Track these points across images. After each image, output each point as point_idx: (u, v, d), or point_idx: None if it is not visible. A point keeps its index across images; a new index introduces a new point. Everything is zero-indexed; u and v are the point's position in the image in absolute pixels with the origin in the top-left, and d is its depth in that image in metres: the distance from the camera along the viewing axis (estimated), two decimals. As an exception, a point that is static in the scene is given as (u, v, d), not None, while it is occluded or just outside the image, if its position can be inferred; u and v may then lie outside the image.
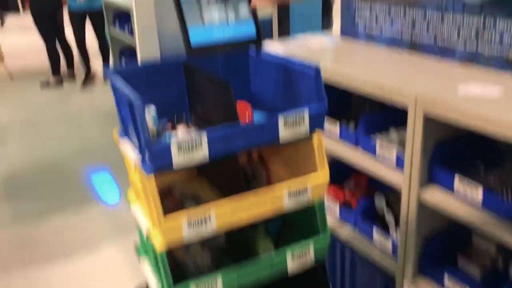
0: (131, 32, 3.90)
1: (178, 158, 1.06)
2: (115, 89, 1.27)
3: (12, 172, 3.57)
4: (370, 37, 2.03)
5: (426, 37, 1.78)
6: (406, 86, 1.49)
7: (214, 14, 1.06)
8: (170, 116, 1.39)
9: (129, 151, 1.20)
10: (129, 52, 4.38)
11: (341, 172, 2.07)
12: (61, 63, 5.55)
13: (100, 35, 5.33)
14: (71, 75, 5.67)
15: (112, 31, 4.41)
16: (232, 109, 1.12)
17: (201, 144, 1.07)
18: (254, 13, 1.10)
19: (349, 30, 2.12)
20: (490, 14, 1.54)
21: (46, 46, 5.38)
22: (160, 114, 1.34)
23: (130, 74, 1.36)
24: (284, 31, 3.03)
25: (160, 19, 1.39)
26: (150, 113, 1.25)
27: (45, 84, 5.50)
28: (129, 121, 1.17)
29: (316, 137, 1.22)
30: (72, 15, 5.23)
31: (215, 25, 1.06)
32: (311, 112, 1.17)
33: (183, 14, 1.03)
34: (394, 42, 1.92)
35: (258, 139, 1.14)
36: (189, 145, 1.06)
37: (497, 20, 1.52)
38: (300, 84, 1.26)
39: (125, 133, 1.29)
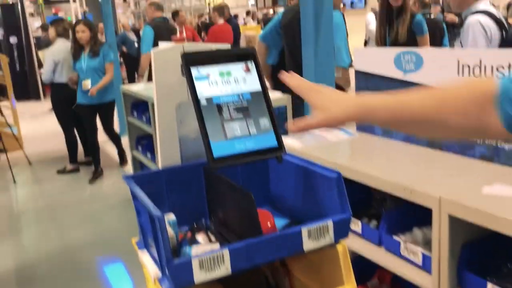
0: (149, 120, 4.00)
1: (199, 275, 1.02)
2: (134, 197, 1.26)
3: (25, 262, 3.52)
4: (386, 132, 2.04)
5: (444, 133, 1.78)
6: (428, 186, 1.47)
7: (235, 129, 1.07)
8: (189, 222, 1.37)
9: (149, 264, 1.17)
10: (145, 139, 4.47)
11: (365, 268, 2.00)
12: (78, 150, 5.66)
13: (109, 127, 5.33)
14: (88, 163, 5.75)
15: (130, 119, 4.53)
16: (254, 219, 1.09)
17: (223, 259, 1.04)
18: (274, 124, 1.11)
19: (365, 125, 2.14)
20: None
21: (65, 134, 5.51)
22: (179, 220, 1.32)
23: (149, 179, 1.37)
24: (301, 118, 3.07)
25: (182, 123, 1.42)
26: (169, 222, 1.23)
27: (62, 172, 5.57)
28: (149, 232, 1.15)
29: (341, 247, 1.18)
30: (82, 109, 5.07)
31: (237, 138, 1.07)
32: (335, 222, 1.14)
33: (206, 130, 1.04)
34: (411, 137, 1.92)
35: (281, 251, 1.10)
36: (211, 261, 1.03)
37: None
38: (321, 188, 1.24)
39: (144, 242, 1.26)
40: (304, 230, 1.11)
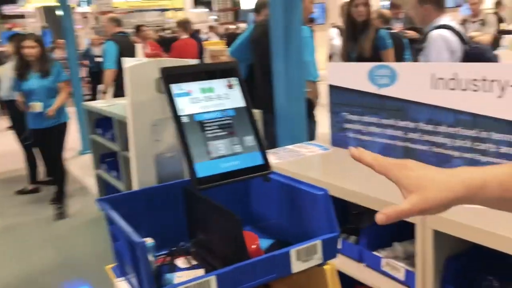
0: (113, 138, 3.89)
1: (184, 304, 0.96)
2: (110, 222, 1.19)
3: (-17, 290, 3.32)
4: (361, 147, 2.02)
5: (420, 146, 1.78)
6: (410, 201, 1.45)
7: (220, 147, 1.02)
8: (167, 245, 1.30)
9: (128, 293, 1.09)
10: (110, 156, 4.35)
11: (343, 284, 1.96)
12: (39, 169, 5.44)
13: (57, 154, 4.60)
14: (49, 182, 5.53)
15: (93, 136, 4.39)
16: (241, 243, 1.04)
17: (209, 286, 0.98)
18: (260, 142, 1.07)
19: (340, 139, 2.13)
20: (483, 129, 1.56)
21: (24, 153, 5.29)
22: (157, 243, 1.25)
23: (124, 201, 1.29)
24: (269, 133, 3.05)
25: (158, 141, 1.36)
26: (148, 248, 1.16)
27: (22, 192, 5.33)
28: (127, 259, 1.08)
29: (329, 268, 1.14)
30: (36, 135, 4.53)
31: (222, 157, 1.02)
32: (324, 241, 1.10)
33: (188, 149, 0.99)
34: (386, 152, 1.92)
35: (269, 274, 1.05)
36: (196, 288, 0.97)
37: (491, 134, 1.54)
38: (308, 206, 1.20)
39: (121, 270, 1.19)
40: (293, 251, 1.06)
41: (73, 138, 6.81)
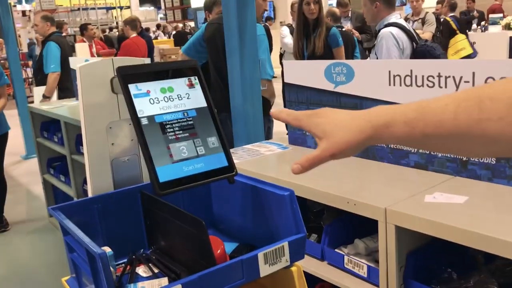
0: (61, 141, 3.72)
1: (149, 316, 0.91)
2: (65, 232, 1.11)
3: None
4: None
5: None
6: (371, 198, 1.46)
7: (182, 149, 0.98)
8: (126, 253, 1.24)
9: (86, 307, 1.03)
10: (58, 160, 4.16)
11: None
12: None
13: None
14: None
15: (39, 139, 4.19)
16: (207, 248, 1.00)
17: (175, 295, 0.93)
18: (223, 143, 1.03)
19: (298, 137, 2.13)
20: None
21: None
22: (115, 252, 1.19)
23: (79, 209, 1.22)
24: (227, 131, 3.01)
25: (113, 145, 1.29)
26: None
27: None
28: (85, 271, 1.02)
29: (295, 269, 1.12)
30: None
31: (184, 160, 0.97)
32: (290, 242, 1.08)
33: (149, 152, 0.94)
34: (345, 148, 1.93)
35: (237, 280, 1.02)
36: (162, 299, 0.92)
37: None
38: (273, 207, 1.18)
39: (79, 283, 1.12)
40: (260, 255, 1.03)
41: (17, 142, 6.50)
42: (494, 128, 0.59)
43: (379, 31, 3.09)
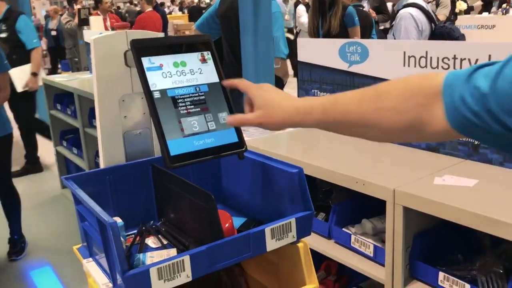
0: (75, 113, 3.76)
1: (157, 285, 0.93)
2: (77, 201, 1.14)
3: None
4: (331, 123, 2.02)
5: (389, 124, 1.80)
6: (381, 179, 1.47)
7: (193, 124, 0.99)
8: (136, 224, 1.26)
9: (97, 275, 1.05)
10: (71, 132, 4.21)
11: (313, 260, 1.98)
12: None
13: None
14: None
15: (53, 112, 4.23)
16: (215, 222, 1.02)
17: (183, 266, 0.95)
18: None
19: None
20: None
21: None
22: (126, 223, 1.21)
23: (91, 180, 1.24)
24: (239, 109, 3.01)
25: (126, 118, 1.30)
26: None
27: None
28: (97, 240, 1.04)
29: (302, 245, 1.14)
30: None
31: (195, 134, 0.98)
32: (298, 219, 1.09)
33: (161, 126, 0.95)
34: (356, 128, 1.93)
35: (244, 253, 1.04)
36: (170, 269, 0.94)
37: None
38: (281, 184, 1.19)
39: (89, 251, 1.15)
40: (267, 230, 1.05)
41: (31, 113, 6.54)
42: (387, 116, 0.72)
43: (397, 11, 3.05)
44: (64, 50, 8.25)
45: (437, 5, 6.53)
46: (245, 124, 0.92)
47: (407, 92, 0.71)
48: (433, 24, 2.93)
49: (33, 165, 4.98)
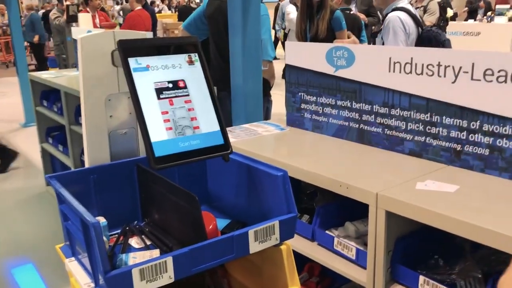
0: (61, 110, 3.73)
1: (139, 285, 0.94)
2: (60, 200, 1.14)
3: None
4: (317, 127, 2.04)
5: (374, 129, 1.82)
6: (364, 182, 1.48)
7: (179, 125, 0.99)
8: (120, 224, 1.26)
9: (79, 274, 1.05)
10: (56, 129, 4.17)
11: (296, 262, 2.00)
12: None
13: None
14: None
15: (39, 108, 4.19)
16: (199, 223, 1.02)
17: (166, 267, 0.96)
18: (220, 121, 1.05)
19: (296, 119, 2.14)
20: (436, 113, 1.60)
21: None
22: (110, 222, 1.21)
23: (76, 179, 1.24)
24: (224, 111, 3.02)
25: (111, 117, 1.30)
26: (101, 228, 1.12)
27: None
28: (80, 239, 1.04)
29: (285, 247, 1.15)
30: None
31: (181, 136, 0.99)
32: (281, 222, 1.10)
33: (146, 127, 0.95)
34: (341, 133, 1.94)
35: (227, 255, 1.04)
36: (152, 270, 0.94)
37: (443, 118, 1.58)
38: (266, 186, 1.20)
39: (72, 250, 1.14)
40: (251, 232, 1.06)
41: (17, 109, 6.50)
42: None
43: (386, 15, 3.10)
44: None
45: (425, 11, 6.60)
46: None
47: None
48: (420, 28, 2.99)
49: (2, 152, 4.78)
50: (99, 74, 1.24)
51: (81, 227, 0.98)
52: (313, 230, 1.74)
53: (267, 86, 3.25)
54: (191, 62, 1.06)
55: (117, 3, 17.05)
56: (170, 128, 0.99)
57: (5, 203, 4.15)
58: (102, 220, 1.17)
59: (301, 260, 1.91)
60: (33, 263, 3.15)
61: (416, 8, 6.67)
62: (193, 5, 16.10)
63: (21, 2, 14.35)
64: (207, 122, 1.04)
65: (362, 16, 5.61)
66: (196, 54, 1.08)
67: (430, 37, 2.93)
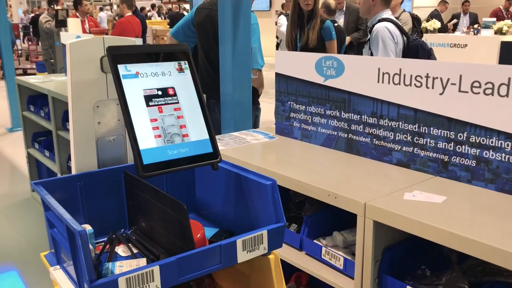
0: (48, 116, 3.69)
1: (125, 295, 0.92)
2: (46, 207, 1.12)
3: None
4: (306, 137, 2.05)
5: (362, 138, 1.82)
6: (352, 192, 1.49)
7: (168, 133, 0.98)
8: (106, 232, 1.25)
9: (63, 283, 1.04)
10: (43, 135, 4.13)
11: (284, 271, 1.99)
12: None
13: None
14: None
15: (26, 113, 4.14)
16: (187, 232, 1.02)
17: (152, 276, 0.94)
18: (209, 129, 1.04)
19: (285, 128, 2.14)
20: (424, 124, 1.61)
21: None
22: (95, 230, 1.20)
23: (62, 186, 1.22)
24: (214, 118, 3.02)
25: (100, 124, 1.29)
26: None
27: None
28: (65, 247, 1.03)
29: (273, 257, 1.14)
30: None
31: (170, 143, 0.98)
32: (270, 231, 1.10)
33: (135, 134, 0.94)
34: (330, 143, 1.95)
35: (214, 264, 1.04)
36: (139, 279, 0.93)
37: (431, 129, 1.60)
38: (254, 195, 1.19)
39: (57, 258, 1.13)
40: (239, 242, 1.05)
41: (2, 114, 6.43)
42: None
43: (372, 26, 3.14)
44: None
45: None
46: None
47: None
48: (406, 38, 3.05)
49: None
50: (88, 80, 1.23)
51: (66, 235, 0.97)
52: (301, 239, 1.74)
53: (255, 94, 3.26)
54: (181, 70, 1.06)
55: (101, 9, 17.00)
56: (159, 136, 0.98)
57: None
58: (88, 227, 1.15)
59: (289, 270, 1.90)
60: (17, 270, 3.10)
61: None
62: (184, 12, 16.12)
63: (10, 6, 14.25)
64: (196, 130, 1.03)
65: (347, 38, 5.63)
66: (186, 62, 1.07)
67: (417, 45, 3.02)
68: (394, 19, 3.14)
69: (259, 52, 3.36)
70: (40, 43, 8.37)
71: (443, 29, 9.95)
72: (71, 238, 0.95)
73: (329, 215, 1.77)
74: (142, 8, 14.23)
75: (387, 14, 3.16)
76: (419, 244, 1.48)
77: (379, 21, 3.08)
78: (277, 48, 5.66)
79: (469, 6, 11.23)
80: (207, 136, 1.04)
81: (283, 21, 5.21)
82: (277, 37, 5.75)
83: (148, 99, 1.00)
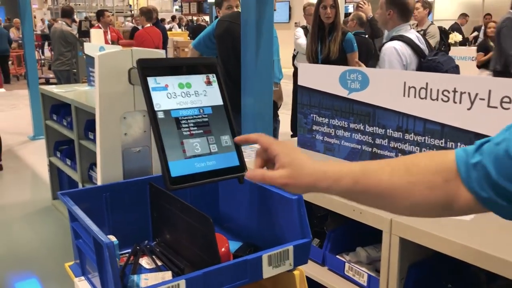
0: (71, 125, 3.74)
1: (151, 308, 0.92)
2: (72, 218, 1.12)
3: None
4: (328, 150, 2.03)
5: (387, 153, 1.80)
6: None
7: (195, 146, 0.98)
8: (130, 243, 1.25)
9: (89, 295, 1.04)
10: (65, 143, 4.18)
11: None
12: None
13: None
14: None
15: (48, 122, 4.21)
16: (213, 245, 1.01)
17: (178, 290, 0.94)
18: (237, 144, 1.04)
19: (307, 141, 2.13)
20: (451, 140, 1.58)
21: None
22: (120, 241, 1.20)
23: (87, 196, 1.23)
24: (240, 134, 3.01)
25: (126, 135, 1.30)
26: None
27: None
28: (91, 259, 1.03)
29: (298, 273, 1.13)
30: None
31: (197, 156, 0.98)
32: (296, 247, 1.08)
33: (163, 146, 0.94)
34: (353, 156, 1.93)
35: (240, 279, 1.02)
36: (165, 293, 0.92)
37: (458, 144, 1.57)
38: (280, 210, 1.18)
39: (82, 269, 1.13)
40: (265, 257, 1.04)
41: (25, 122, 6.54)
42: (420, 189, 0.73)
43: (384, 43, 3.03)
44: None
45: (425, 34, 6.56)
46: (267, 182, 0.85)
47: (432, 167, 0.73)
48: (420, 57, 2.89)
49: None
50: (116, 91, 1.24)
51: (93, 247, 0.97)
52: (323, 254, 1.71)
53: (274, 107, 3.26)
54: (208, 83, 1.06)
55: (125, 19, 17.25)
56: (186, 149, 0.98)
57: (11, 216, 4.14)
58: (113, 239, 1.15)
59: (311, 285, 1.88)
60: (37, 278, 3.13)
61: (417, 31, 6.63)
62: (203, 24, 16.28)
63: (34, 17, 14.57)
64: (223, 143, 1.03)
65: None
66: (214, 75, 1.07)
67: (430, 67, 2.80)
68: (410, 35, 2.98)
69: (277, 65, 3.36)
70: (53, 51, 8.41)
71: (464, 42, 9.84)
72: (98, 250, 0.95)
73: (352, 230, 1.75)
74: (162, 20, 14.41)
75: (404, 29, 3.01)
76: (447, 262, 1.45)
77: (391, 38, 2.96)
78: (293, 60, 5.64)
79: (490, 19, 11.12)
80: (234, 149, 1.03)
81: (300, 33, 5.20)
82: (294, 49, 5.74)
83: (176, 112, 1.00)
